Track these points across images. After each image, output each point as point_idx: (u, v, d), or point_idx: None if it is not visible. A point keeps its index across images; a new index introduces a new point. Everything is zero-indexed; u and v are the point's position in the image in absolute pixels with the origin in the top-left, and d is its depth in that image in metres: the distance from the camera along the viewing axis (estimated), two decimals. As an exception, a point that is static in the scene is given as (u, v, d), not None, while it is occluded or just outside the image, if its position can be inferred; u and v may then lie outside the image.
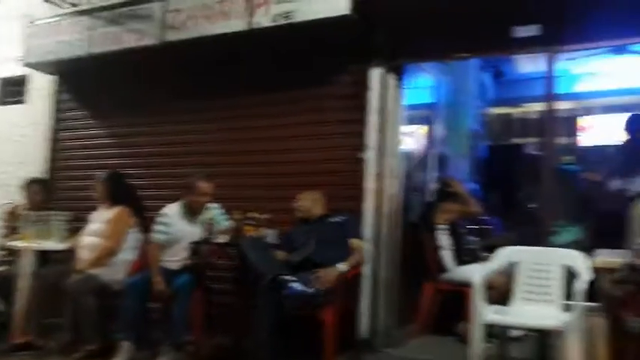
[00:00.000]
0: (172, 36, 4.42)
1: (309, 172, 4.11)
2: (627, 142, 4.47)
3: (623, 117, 7.80)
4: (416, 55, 3.99)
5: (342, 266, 3.42)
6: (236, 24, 4.07)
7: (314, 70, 4.19)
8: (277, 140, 4.31)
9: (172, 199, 4.02)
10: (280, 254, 3.66)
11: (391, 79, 3.95)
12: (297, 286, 3.23)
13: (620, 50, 5.72)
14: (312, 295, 3.25)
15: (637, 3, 3.27)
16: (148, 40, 4.51)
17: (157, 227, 3.91)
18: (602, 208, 5.47)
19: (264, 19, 3.97)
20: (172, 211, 3.94)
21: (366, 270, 3.82)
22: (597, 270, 2.80)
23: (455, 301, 3.92)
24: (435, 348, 3.93)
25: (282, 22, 3.88)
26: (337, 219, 3.73)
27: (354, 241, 3.64)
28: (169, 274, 3.74)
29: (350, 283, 3.58)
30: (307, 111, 4.21)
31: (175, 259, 3.86)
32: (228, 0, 4.12)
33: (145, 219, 4.14)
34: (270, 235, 3.79)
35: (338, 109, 4.09)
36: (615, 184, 4.28)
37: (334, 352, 3.35)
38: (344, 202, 3.93)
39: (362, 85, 3.98)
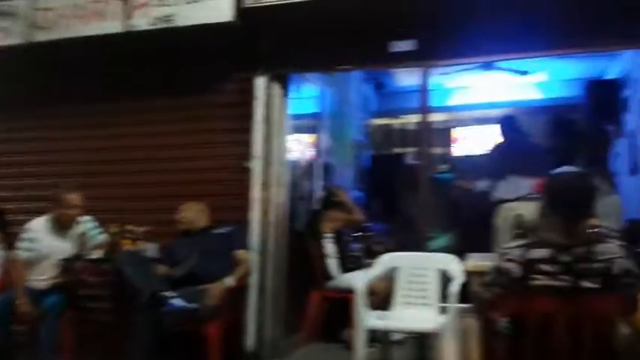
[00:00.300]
0: (41, 36, 4.10)
1: (194, 181, 3.98)
2: (501, 144, 4.72)
3: (492, 129, 8.44)
4: (300, 65, 4.02)
5: (228, 280, 3.32)
6: (112, 25, 3.86)
7: (198, 76, 4.08)
8: (159, 149, 4.13)
9: (41, 213, 3.71)
10: (161, 269, 3.50)
11: (276, 88, 3.95)
12: (177, 302, 3.09)
13: (488, 66, 6.17)
14: (194, 311, 3.12)
15: (503, 24, 3.54)
16: (14, 40, 4.15)
17: (21, 243, 3.58)
18: (472, 214, 5.86)
19: (142, 21, 3.79)
20: (39, 225, 3.63)
21: (253, 280, 3.76)
22: (469, 273, 2.96)
23: (341, 308, 3.98)
24: (321, 355, 3.95)
25: (162, 25, 3.74)
26: (222, 230, 3.63)
27: (239, 253, 3.56)
28: (37, 294, 3.43)
29: (236, 294, 3.50)
30: (192, 119, 4.09)
31: (43, 277, 3.56)
32: (103, 0, 3.88)
33: (8, 234, 3.79)
34: (149, 248, 3.61)
35: (224, 117, 4.01)
36: (483, 187, 4.54)
37: (220, 366, 3.25)
38: (230, 213, 3.85)
39: (247, 94, 3.93)
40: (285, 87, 4.01)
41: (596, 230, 2.95)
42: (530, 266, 2.14)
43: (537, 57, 4.78)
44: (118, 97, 4.26)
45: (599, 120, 6.26)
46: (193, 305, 3.14)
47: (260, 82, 3.92)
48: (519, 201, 4.03)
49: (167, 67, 4.15)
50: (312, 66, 4.13)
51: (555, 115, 7.11)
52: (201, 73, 4.07)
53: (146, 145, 4.14)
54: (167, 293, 3.15)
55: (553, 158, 4.11)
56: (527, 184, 4.06)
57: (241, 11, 3.66)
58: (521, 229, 3.37)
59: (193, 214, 3.71)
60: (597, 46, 3.59)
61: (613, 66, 6.84)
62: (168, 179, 4.05)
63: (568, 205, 2.17)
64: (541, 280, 2.12)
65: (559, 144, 4.63)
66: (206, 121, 4.05)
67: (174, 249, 3.62)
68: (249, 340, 3.75)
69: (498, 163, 4.33)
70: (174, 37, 3.84)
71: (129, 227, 3.56)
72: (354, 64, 4.02)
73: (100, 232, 3.71)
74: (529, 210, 3.70)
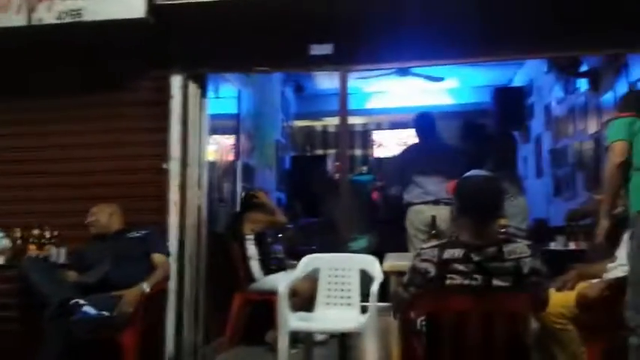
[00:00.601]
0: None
1: (108, 183, 3.80)
2: (412, 145, 4.74)
3: (408, 132, 8.70)
4: (217, 65, 3.95)
5: (144, 286, 3.20)
6: (11, 18, 3.60)
7: (112, 74, 3.90)
8: (70, 148, 3.90)
9: None
10: (71, 275, 3.31)
11: (193, 88, 3.85)
12: (89, 309, 2.94)
13: (404, 72, 6.37)
14: (108, 318, 2.98)
15: (419, 31, 3.67)
16: None
17: None
18: (389, 215, 6.01)
19: (47, 15, 3.57)
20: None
21: (171, 285, 3.65)
22: (388, 273, 3.03)
23: (264, 311, 3.96)
24: (244, 359, 3.91)
25: (69, 20, 3.54)
26: (137, 234, 3.49)
27: (156, 257, 3.43)
28: None
29: (153, 300, 3.38)
30: (105, 117, 3.90)
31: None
32: (5, -9, 3.63)
33: None
34: (57, 253, 3.42)
35: (139, 116, 3.86)
36: (396, 190, 4.61)
37: (136, 375, 3.13)
38: (147, 215, 3.72)
39: (164, 93, 3.81)
40: (202, 86, 3.93)
41: (505, 230, 3.13)
42: (444, 266, 2.21)
43: (450, 64, 5.01)
44: (25, 93, 3.98)
45: (506, 125, 6.65)
46: (106, 313, 2.99)
47: (176, 81, 3.81)
48: (427, 204, 4.16)
49: (79, 63, 3.93)
50: (230, 66, 4.08)
51: (466, 120, 7.47)
52: (115, 71, 3.89)
53: (55, 144, 3.91)
54: (78, 300, 2.97)
55: (464, 161, 4.30)
56: (436, 187, 4.19)
57: (154, 8, 3.54)
58: (435, 230, 3.51)
59: (106, 217, 3.54)
60: (505, 55, 3.81)
61: (519, 74, 7.29)
62: (81, 181, 3.84)
63: (478, 207, 2.27)
64: (455, 280, 2.20)
65: (469, 147, 4.84)
66: (120, 120, 3.88)
67: (86, 254, 3.43)
68: (169, 347, 3.64)
69: (408, 166, 4.39)
70: (84, 32, 3.65)
71: (35, 231, 3.35)
72: (272, 66, 4.00)
73: (2, 237, 3.45)
74: (439, 212, 3.87)
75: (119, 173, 3.81)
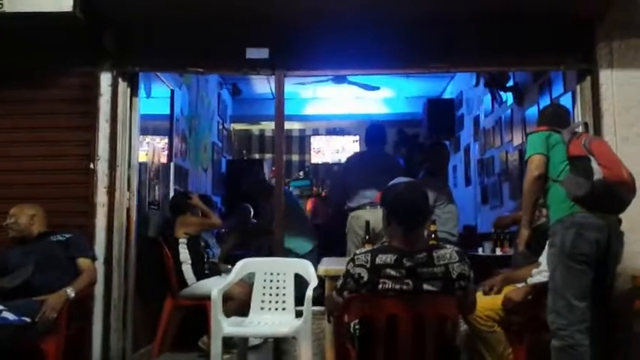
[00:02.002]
0: None
1: (31, 183, 3.61)
2: (357, 153, 4.92)
3: (344, 139, 8.83)
4: (149, 64, 3.85)
5: (69, 290, 3.05)
6: None
7: (36, 69, 3.71)
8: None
9: None
10: (-11, 279, 3.11)
11: (123, 86, 3.73)
12: (9, 315, 2.76)
13: (340, 80, 6.45)
14: (29, 325, 2.82)
15: (353, 40, 3.75)
16: None
17: None
18: (327, 220, 6.06)
19: (-33, 4, 3.36)
20: None
21: (98, 290, 3.51)
22: (323, 277, 3.05)
23: (198, 316, 3.88)
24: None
25: (-12, 10, 3.34)
26: (60, 237, 3.32)
27: (81, 261, 3.29)
28: None
29: (79, 306, 3.23)
30: (28, 114, 3.71)
31: None
32: None
33: None
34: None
35: (65, 113, 3.70)
36: (337, 194, 4.69)
37: (60, 385, 2.98)
38: (73, 218, 3.57)
39: (92, 90, 3.67)
40: (133, 85, 3.80)
41: (435, 236, 3.23)
42: (377, 271, 2.26)
43: (382, 74, 5.15)
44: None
45: (437, 135, 6.87)
46: (28, 319, 2.83)
47: (105, 79, 3.68)
48: (365, 208, 4.25)
49: (1, 55, 3.73)
50: (163, 65, 3.99)
51: (400, 130, 7.65)
52: (41, 66, 3.71)
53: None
54: (-3, 306, 2.80)
55: (404, 170, 4.41)
56: (374, 192, 4.28)
57: (83, 1, 3.41)
58: (369, 236, 3.56)
59: (26, 219, 3.35)
60: (434, 68, 3.95)
61: (450, 87, 7.55)
62: (3, 180, 3.63)
63: (403, 213, 2.33)
64: (387, 284, 2.25)
65: (403, 155, 4.96)
66: (45, 117, 3.69)
67: (6, 258, 3.23)
68: (95, 354, 3.49)
69: (351, 173, 4.50)
70: (6, 23, 3.45)
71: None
72: (206, 67, 3.93)
73: None
74: (377, 216, 3.93)
75: (43, 173, 3.64)
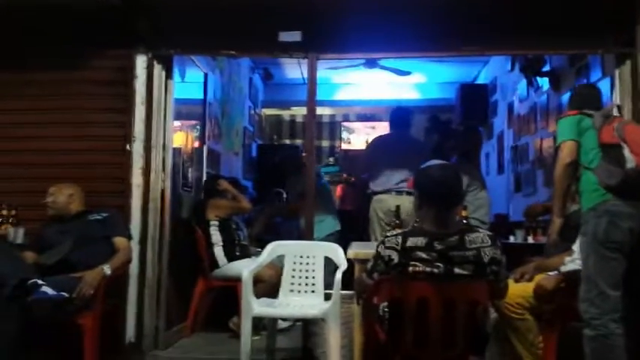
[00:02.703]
0: None
1: (68, 163, 3.70)
2: (381, 136, 4.82)
3: (376, 125, 8.78)
4: (183, 47, 3.88)
5: (105, 268, 3.14)
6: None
7: (73, 51, 3.78)
8: (29, 126, 3.78)
9: None
10: (29, 255, 3.22)
11: (158, 69, 3.78)
12: (48, 290, 2.86)
13: (372, 64, 6.40)
14: (67, 300, 2.91)
15: (386, 23, 3.71)
16: None
17: None
18: (355, 205, 6.06)
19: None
20: None
21: (133, 269, 3.60)
22: (352, 261, 3.06)
23: (228, 297, 3.95)
24: (206, 345, 3.89)
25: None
26: (98, 216, 3.41)
27: (117, 240, 3.37)
28: None
29: (114, 283, 3.32)
30: (66, 95, 3.80)
31: None
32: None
33: None
34: (15, 233, 3.32)
35: (101, 95, 3.78)
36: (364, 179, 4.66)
37: (96, 358, 3.07)
38: (108, 198, 3.65)
39: (128, 72, 3.74)
40: (167, 68, 3.85)
41: (466, 221, 3.20)
42: (407, 253, 2.26)
43: (416, 57, 5.09)
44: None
45: (470, 122, 6.76)
46: (66, 294, 2.92)
47: (141, 61, 3.74)
48: (390, 193, 4.23)
49: (38, 40, 3.82)
50: (197, 48, 4.02)
51: (432, 114, 7.56)
52: (76, 47, 3.78)
53: (14, 122, 3.79)
54: (37, 280, 2.89)
55: (430, 154, 4.37)
56: (399, 177, 4.25)
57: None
58: (398, 220, 3.56)
59: (64, 197, 3.44)
60: (468, 51, 3.89)
61: (484, 72, 7.42)
62: (40, 160, 3.73)
63: (437, 195, 2.32)
64: (417, 267, 2.25)
65: (436, 141, 4.90)
66: (82, 98, 3.78)
67: (45, 235, 3.35)
68: (129, 331, 3.59)
69: (376, 156, 4.45)
70: (41, 8, 3.53)
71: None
72: (238, 50, 3.96)
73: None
74: (402, 202, 3.93)
75: (80, 153, 3.73)
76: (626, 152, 2.53)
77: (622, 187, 2.54)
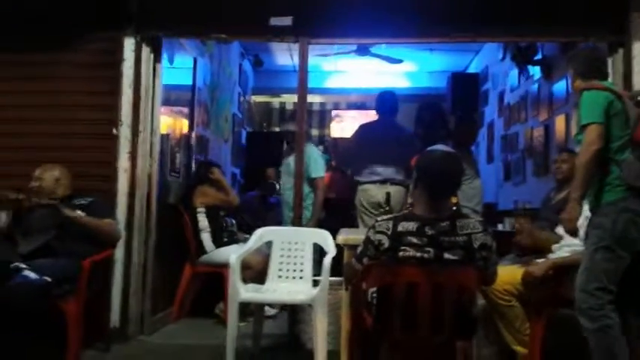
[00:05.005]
0: None
1: (53, 147, 3.62)
2: (375, 122, 4.57)
3: (366, 113, 8.71)
4: (172, 29, 3.81)
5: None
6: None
7: (59, 32, 3.70)
8: (13, 108, 3.71)
9: None
10: (12, 240, 3.16)
11: (146, 52, 3.71)
12: (30, 274, 2.81)
13: (363, 52, 6.36)
14: (50, 284, 2.86)
15: (377, 9, 3.67)
16: None
17: None
18: (343, 193, 6.00)
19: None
20: None
21: (118, 254, 3.55)
22: (341, 247, 3.03)
23: (215, 283, 3.92)
24: (191, 331, 3.88)
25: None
26: (83, 201, 3.34)
27: (103, 221, 3.31)
28: None
29: (100, 268, 3.27)
30: (51, 78, 3.73)
31: None
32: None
33: None
34: (-2, 217, 3.27)
35: (88, 78, 3.71)
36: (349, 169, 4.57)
37: (80, 344, 3.03)
38: (95, 182, 3.59)
39: (115, 55, 3.67)
40: (156, 51, 3.79)
41: (457, 207, 3.18)
42: (398, 238, 2.23)
43: (407, 43, 5.03)
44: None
45: (461, 110, 6.74)
46: (48, 279, 2.87)
47: (129, 44, 3.67)
48: (375, 184, 4.16)
49: (23, 20, 3.73)
50: (186, 31, 3.95)
51: (424, 102, 7.48)
52: (63, 28, 3.70)
53: (-1, 104, 3.72)
54: (18, 264, 2.83)
55: (419, 145, 4.31)
56: (385, 168, 4.18)
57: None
58: (388, 207, 3.53)
59: (51, 183, 3.36)
60: (461, 37, 3.84)
61: (475, 61, 7.40)
62: (23, 144, 3.66)
63: (435, 180, 2.30)
64: (408, 252, 2.23)
65: (428, 129, 4.82)
66: (68, 81, 3.71)
67: (29, 219, 3.28)
68: (114, 316, 3.56)
69: (361, 146, 4.34)
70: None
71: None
72: (229, 34, 3.90)
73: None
74: (387, 192, 3.90)
75: (66, 137, 3.66)
76: None
77: None
